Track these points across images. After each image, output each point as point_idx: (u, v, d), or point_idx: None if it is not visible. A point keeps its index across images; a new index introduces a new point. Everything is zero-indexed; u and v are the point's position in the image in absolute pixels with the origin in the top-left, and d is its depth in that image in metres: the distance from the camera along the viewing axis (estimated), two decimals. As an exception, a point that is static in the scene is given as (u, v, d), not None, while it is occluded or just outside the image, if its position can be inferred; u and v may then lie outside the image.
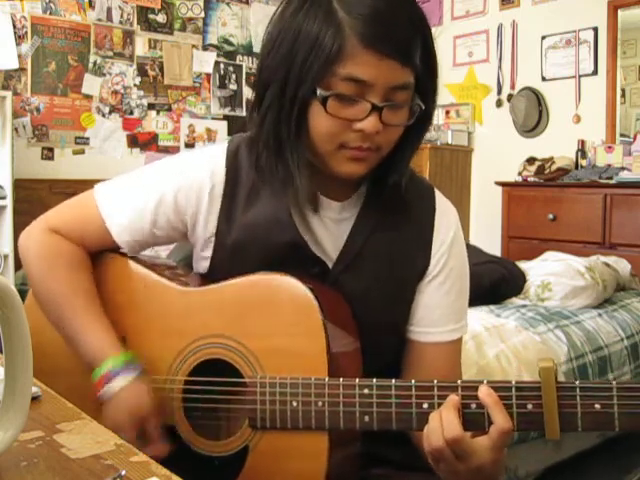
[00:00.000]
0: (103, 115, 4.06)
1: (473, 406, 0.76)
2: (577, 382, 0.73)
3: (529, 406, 0.74)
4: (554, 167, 3.60)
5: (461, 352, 0.99)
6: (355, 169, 0.85)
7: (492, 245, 3.46)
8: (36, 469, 0.61)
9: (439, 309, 0.94)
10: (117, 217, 0.94)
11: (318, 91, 0.79)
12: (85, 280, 0.94)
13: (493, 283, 2.33)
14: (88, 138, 4.01)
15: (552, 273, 2.42)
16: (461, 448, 0.73)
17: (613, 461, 2.13)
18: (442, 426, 0.73)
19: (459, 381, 0.77)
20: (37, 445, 0.65)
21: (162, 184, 0.94)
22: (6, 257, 3.33)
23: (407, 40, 0.79)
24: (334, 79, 0.79)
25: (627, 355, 2.17)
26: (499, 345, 1.90)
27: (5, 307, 0.58)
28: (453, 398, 0.75)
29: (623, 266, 2.73)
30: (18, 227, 3.28)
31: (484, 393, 0.75)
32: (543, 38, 3.93)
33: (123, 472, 0.60)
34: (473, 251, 2.68)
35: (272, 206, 0.90)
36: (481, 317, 2.07)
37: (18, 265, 3.34)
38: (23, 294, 0.97)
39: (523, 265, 2.57)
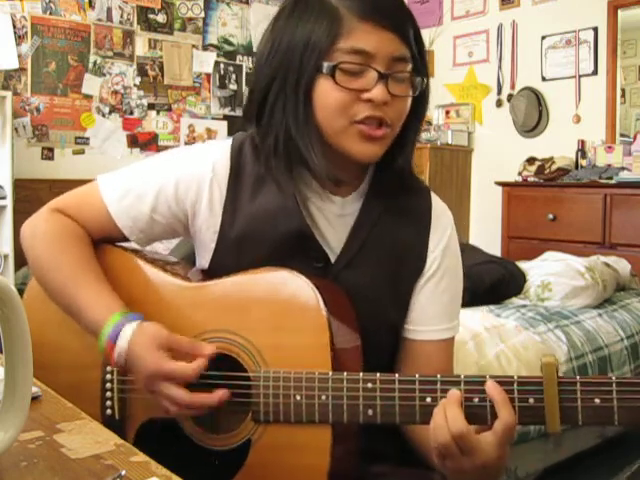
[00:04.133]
0: (103, 115, 4.06)
1: (476, 400, 0.77)
2: (578, 377, 0.75)
3: (531, 400, 0.76)
4: (554, 167, 3.59)
5: (453, 352, 1.00)
6: (371, 150, 0.86)
7: (492, 245, 3.46)
8: (36, 469, 0.61)
9: (434, 308, 0.95)
10: (118, 202, 0.95)
11: (325, 65, 0.83)
12: (91, 256, 0.94)
13: (493, 283, 2.33)
14: (88, 138, 4.01)
15: (552, 273, 2.42)
16: (467, 443, 0.73)
17: (612, 461, 2.13)
18: (447, 422, 0.74)
19: (462, 375, 0.78)
20: (37, 445, 0.66)
21: (164, 173, 0.94)
22: (6, 257, 3.33)
23: (401, 17, 0.86)
24: (337, 54, 0.83)
25: (627, 355, 2.17)
26: (499, 345, 1.90)
27: (5, 307, 0.58)
28: (455, 393, 0.76)
29: (623, 266, 2.73)
30: (18, 227, 3.26)
31: (491, 388, 0.76)
32: (543, 38, 3.93)
33: (123, 472, 0.60)
34: (473, 251, 2.68)
35: (278, 195, 0.91)
36: (481, 317, 2.06)
37: (18, 265, 3.34)
38: (23, 294, 0.97)
39: (523, 265, 2.57)
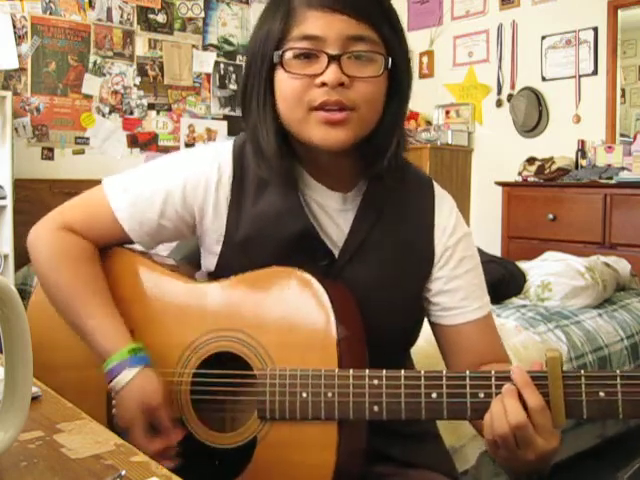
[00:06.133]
0: (103, 115, 4.07)
1: (481, 395, 0.78)
2: (582, 371, 0.76)
3: None
4: (554, 167, 3.59)
5: (495, 328, 0.99)
6: (333, 135, 0.84)
7: (492, 245, 3.46)
8: (36, 469, 0.61)
9: (460, 291, 0.95)
10: (126, 208, 0.94)
11: (275, 54, 0.84)
12: (95, 274, 0.93)
13: (493, 283, 2.32)
14: (88, 138, 4.01)
15: (552, 273, 2.42)
16: (524, 435, 0.74)
17: (612, 461, 2.13)
18: (506, 412, 0.74)
19: (467, 372, 0.79)
20: (37, 445, 0.66)
21: (170, 177, 0.95)
22: (6, 257, 3.33)
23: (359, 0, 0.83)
24: (289, 44, 0.84)
25: (627, 355, 2.17)
26: (499, 345, 1.89)
27: (5, 307, 0.58)
28: (510, 387, 0.76)
29: (623, 266, 2.73)
30: (18, 227, 3.27)
31: (517, 374, 0.76)
32: (543, 38, 3.93)
33: (123, 472, 0.60)
34: (473, 251, 2.68)
35: (282, 196, 0.91)
36: (481, 317, 2.06)
37: (18, 265, 3.34)
38: (23, 294, 0.97)
39: (523, 265, 2.57)
